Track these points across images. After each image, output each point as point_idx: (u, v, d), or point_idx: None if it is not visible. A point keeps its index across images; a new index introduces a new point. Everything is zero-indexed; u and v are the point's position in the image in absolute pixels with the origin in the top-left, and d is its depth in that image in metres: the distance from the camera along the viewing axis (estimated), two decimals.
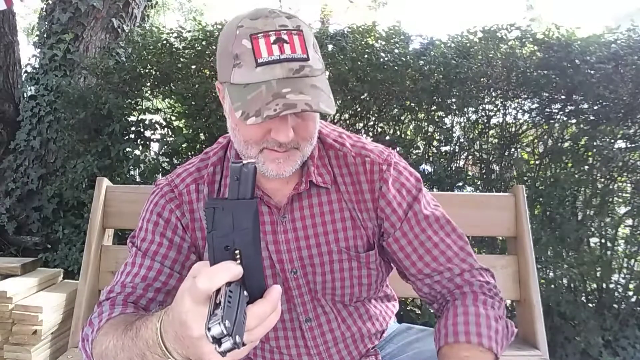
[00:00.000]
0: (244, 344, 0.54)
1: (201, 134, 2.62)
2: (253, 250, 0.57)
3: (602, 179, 2.43)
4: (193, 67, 2.55)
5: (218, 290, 0.53)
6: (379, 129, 2.59)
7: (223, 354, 0.49)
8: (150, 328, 0.62)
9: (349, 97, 2.45)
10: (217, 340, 0.48)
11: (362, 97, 2.44)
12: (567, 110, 2.43)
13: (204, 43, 2.50)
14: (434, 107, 2.49)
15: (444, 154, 2.58)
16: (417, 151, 2.55)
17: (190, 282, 0.55)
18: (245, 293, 0.56)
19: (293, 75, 0.73)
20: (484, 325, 0.80)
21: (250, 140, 0.79)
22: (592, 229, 2.40)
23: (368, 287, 0.94)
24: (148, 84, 2.72)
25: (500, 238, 2.38)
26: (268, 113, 0.69)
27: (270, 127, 0.76)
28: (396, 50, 2.41)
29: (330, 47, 2.45)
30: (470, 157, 2.60)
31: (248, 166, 0.57)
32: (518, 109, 2.50)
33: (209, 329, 0.48)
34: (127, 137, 2.77)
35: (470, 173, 2.56)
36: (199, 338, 0.53)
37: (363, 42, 2.43)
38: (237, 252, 0.56)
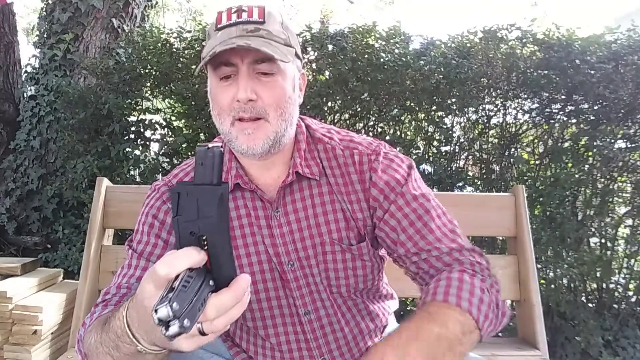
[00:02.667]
0: (204, 334, 0.53)
1: (201, 134, 2.63)
2: (219, 237, 0.55)
3: (602, 179, 2.43)
4: (193, 67, 2.55)
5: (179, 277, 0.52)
6: (379, 129, 2.59)
7: (170, 338, 0.47)
8: (118, 318, 0.63)
9: (349, 97, 2.45)
10: (165, 323, 0.47)
11: (362, 97, 2.44)
12: (567, 110, 2.43)
13: (203, 43, 2.50)
14: (434, 107, 2.49)
15: (444, 154, 2.58)
16: (417, 151, 2.55)
17: (152, 269, 0.55)
18: (211, 282, 0.54)
19: (247, 34, 0.80)
20: (466, 290, 0.74)
21: (221, 108, 0.84)
22: (592, 229, 2.40)
23: (364, 278, 0.94)
24: (148, 84, 2.73)
25: (500, 238, 2.38)
26: (211, 54, 0.77)
27: (234, 90, 0.81)
28: (396, 51, 2.41)
29: (330, 47, 2.45)
30: (470, 157, 2.60)
31: (213, 149, 0.54)
32: (518, 109, 2.50)
33: (155, 310, 0.47)
34: (127, 137, 2.77)
35: (470, 173, 2.56)
36: None
37: (363, 42, 2.43)
38: (204, 238, 0.54)
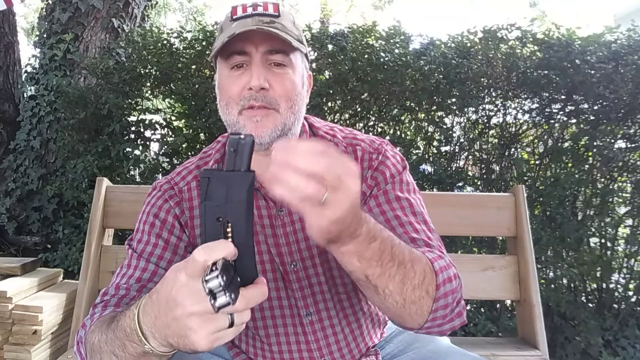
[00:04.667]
0: (232, 325, 0.55)
1: (201, 134, 2.63)
2: (245, 225, 0.56)
3: (602, 179, 2.43)
4: (193, 67, 2.55)
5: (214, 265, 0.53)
6: (379, 129, 2.59)
7: (217, 309, 0.49)
8: (128, 316, 0.63)
9: (349, 97, 2.45)
10: (213, 295, 0.49)
11: (362, 97, 2.44)
12: (567, 110, 2.43)
13: (204, 43, 2.50)
14: (434, 107, 2.49)
15: (444, 154, 2.58)
16: (417, 151, 2.55)
17: (184, 261, 0.55)
18: (238, 279, 0.56)
19: (263, 24, 0.81)
20: (441, 263, 0.76)
21: (230, 97, 0.84)
22: (592, 229, 2.40)
23: None
24: (148, 84, 2.73)
25: (500, 238, 2.38)
26: (225, 40, 0.79)
27: (246, 79, 0.82)
28: (396, 50, 2.41)
29: (330, 47, 2.45)
30: (470, 157, 2.60)
31: (246, 138, 0.56)
32: (518, 109, 2.50)
33: (206, 281, 0.49)
34: (127, 137, 2.77)
35: (470, 173, 2.56)
36: (188, 315, 0.53)
37: (363, 42, 2.43)
38: (228, 224, 0.56)
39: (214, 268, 0.51)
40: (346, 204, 0.55)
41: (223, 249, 0.53)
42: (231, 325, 0.55)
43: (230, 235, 0.56)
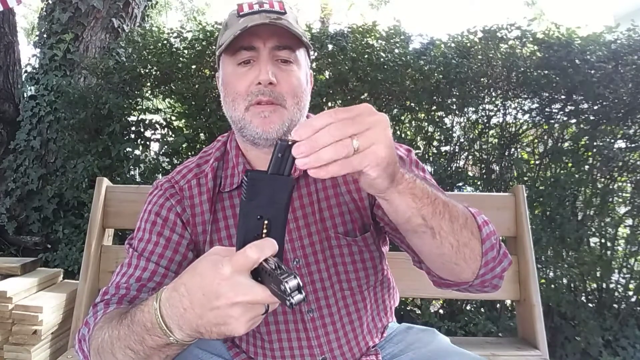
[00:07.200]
0: (266, 311, 0.58)
1: (201, 134, 2.63)
2: (281, 224, 0.60)
3: (602, 179, 2.43)
4: (193, 67, 2.55)
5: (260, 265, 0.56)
6: None
7: (292, 305, 0.53)
8: (147, 311, 0.63)
9: (349, 97, 2.45)
10: (289, 294, 0.52)
11: (362, 97, 2.44)
12: (567, 110, 2.43)
13: (204, 43, 2.50)
14: (434, 107, 2.49)
15: (444, 154, 2.58)
16: (417, 151, 2.54)
17: (218, 256, 0.57)
18: None
19: (269, 21, 0.82)
20: (480, 213, 0.78)
21: (237, 93, 0.84)
22: (592, 229, 2.40)
23: (374, 269, 0.95)
24: (148, 84, 2.72)
25: (501, 238, 2.38)
26: (237, 33, 0.80)
27: (253, 74, 0.83)
28: (396, 50, 2.41)
29: (330, 47, 2.45)
30: (470, 157, 2.60)
31: (293, 146, 0.59)
32: (518, 109, 2.50)
33: (286, 282, 0.52)
34: (127, 137, 2.77)
35: (470, 173, 2.56)
36: (231, 305, 0.55)
37: (363, 42, 2.43)
38: (266, 222, 0.59)
39: (274, 266, 0.55)
40: (382, 136, 0.56)
41: (271, 248, 0.56)
42: (266, 311, 0.57)
43: (265, 233, 0.59)
